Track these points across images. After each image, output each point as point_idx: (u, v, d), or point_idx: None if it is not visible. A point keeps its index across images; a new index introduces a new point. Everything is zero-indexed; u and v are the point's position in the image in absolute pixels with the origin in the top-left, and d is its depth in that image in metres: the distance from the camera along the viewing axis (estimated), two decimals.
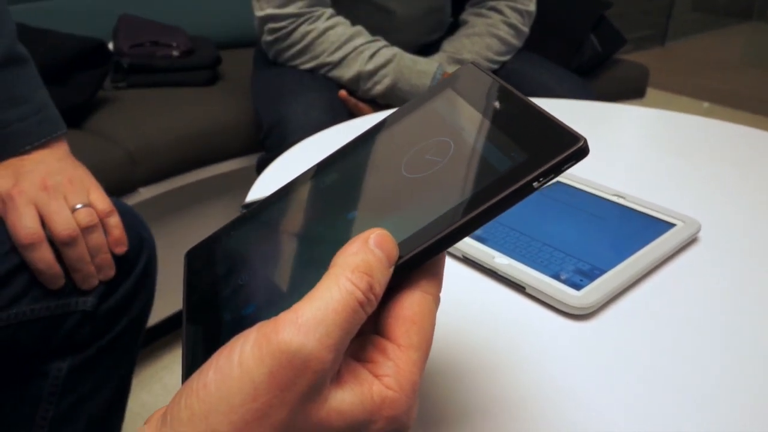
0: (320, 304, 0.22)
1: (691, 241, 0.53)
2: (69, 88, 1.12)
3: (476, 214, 0.25)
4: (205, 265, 0.33)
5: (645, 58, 2.01)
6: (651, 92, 1.72)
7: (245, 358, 0.21)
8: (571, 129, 0.25)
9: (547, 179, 0.25)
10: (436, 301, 0.26)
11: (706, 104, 2.93)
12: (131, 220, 0.64)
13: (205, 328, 0.29)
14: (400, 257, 0.25)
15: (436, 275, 0.26)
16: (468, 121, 0.29)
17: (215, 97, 1.33)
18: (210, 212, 1.30)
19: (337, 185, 0.31)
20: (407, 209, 0.27)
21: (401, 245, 0.26)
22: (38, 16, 1.35)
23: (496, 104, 0.29)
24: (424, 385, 0.37)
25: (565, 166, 0.25)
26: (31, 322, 0.58)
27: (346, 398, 0.23)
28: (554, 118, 0.26)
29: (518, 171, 0.25)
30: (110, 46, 1.36)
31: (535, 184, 0.25)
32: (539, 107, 0.27)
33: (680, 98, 2.98)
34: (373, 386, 0.23)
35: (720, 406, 0.36)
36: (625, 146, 0.77)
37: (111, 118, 1.20)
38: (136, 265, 0.65)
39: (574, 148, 0.24)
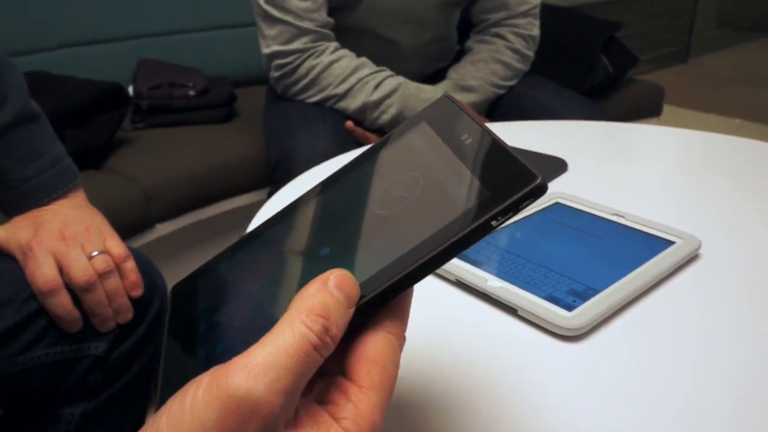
0: (272, 348, 0.22)
1: (691, 259, 0.51)
2: (88, 131, 1.16)
3: (435, 254, 0.25)
4: (188, 300, 0.33)
5: (667, 76, 1.99)
6: (673, 111, 1.70)
7: (196, 402, 0.21)
8: (530, 166, 0.25)
9: (506, 217, 0.24)
10: (401, 341, 0.26)
11: (738, 121, 2.86)
12: (144, 267, 0.66)
13: (181, 365, 0.29)
14: (362, 297, 0.25)
15: (400, 315, 0.26)
16: (437, 157, 0.29)
17: (230, 134, 1.36)
18: (226, 245, 1.31)
19: (313, 221, 0.31)
20: (374, 247, 0.27)
21: (364, 284, 0.25)
22: (65, 64, 1.41)
23: (465, 139, 0.29)
24: (415, 408, 0.36)
25: (523, 204, 0.24)
26: (45, 366, 0.59)
27: None
28: (517, 155, 0.26)
29: (478, 209, 0.25)
30: (131, 89, 1.41)
31: (494, 222, 0.24)
32: (503, 143, 0.27)
33: (707, 116, 2.93)
34: (330, 429, 0.23)
35: (719, 430, 0.35)
36: (631, 166, 0.76)
37: (129, 158, 1.23)
38: (148, 311, 0.66)
39: (530, 187, 0.24)
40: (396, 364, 0.25)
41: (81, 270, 0.58)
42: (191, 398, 0.22)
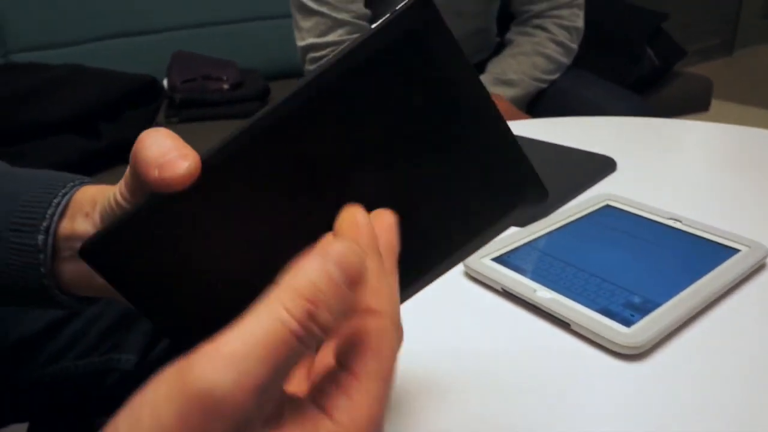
0: (244, 334, 0.19)
1: (759, 268, 0.48)
2: (122, 124, 1.16)
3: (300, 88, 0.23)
4: None
5: (712, 68, 1.91)
6: (719, 105, 1.63)
7: (157, 397, 0.19)
8: None
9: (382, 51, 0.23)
10: (393, 323, 0.22)
11: None
12: None
13: None
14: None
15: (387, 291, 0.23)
16: None
17: None
18: None
19: None
20: None
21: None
22: (99, 57, 1.42)
23: None
24: (461, 426, 0.34)
25: (399, 28, 0.23)
26: (74, 378, 0.58)
27: None
28: None
29: None
30: (165, 82, 1.41)
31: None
32: None
33: (755, 110, 2.81)
34: (319, 423, 0.20)
35: None
36: (683, 165, 0.71)
37: None
38: None
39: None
40: (392, 349, 0.22)
41: None
42: (152, 393, 0.19)
